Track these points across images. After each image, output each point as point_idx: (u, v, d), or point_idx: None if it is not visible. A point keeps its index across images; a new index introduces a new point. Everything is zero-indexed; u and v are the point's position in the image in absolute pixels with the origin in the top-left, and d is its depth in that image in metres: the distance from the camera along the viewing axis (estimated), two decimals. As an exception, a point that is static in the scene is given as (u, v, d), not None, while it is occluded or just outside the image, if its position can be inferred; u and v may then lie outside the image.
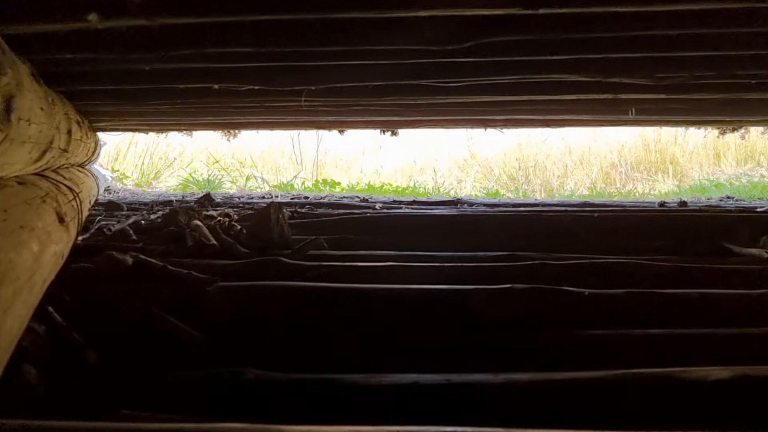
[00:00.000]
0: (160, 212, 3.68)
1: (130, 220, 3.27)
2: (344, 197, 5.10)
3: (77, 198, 2.18)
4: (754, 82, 2.46)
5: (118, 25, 1.25)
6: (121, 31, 1.37)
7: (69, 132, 2.10)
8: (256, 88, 2.22)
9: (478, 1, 1.20)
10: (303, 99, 2.37)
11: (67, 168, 2.79)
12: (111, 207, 4.11)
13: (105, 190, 5.32)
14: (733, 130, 4.81)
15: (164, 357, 1.51)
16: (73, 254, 2.03)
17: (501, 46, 1.65)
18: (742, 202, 4.65)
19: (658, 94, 2.68)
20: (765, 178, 6.27)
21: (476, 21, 1.45)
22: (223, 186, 6.52)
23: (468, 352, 1.49)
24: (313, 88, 2.26)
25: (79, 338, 1.53)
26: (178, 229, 2.80)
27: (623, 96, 2.73)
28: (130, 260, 2.13)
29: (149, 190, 6.10)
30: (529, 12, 1.23)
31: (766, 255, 2.29)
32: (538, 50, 1.74)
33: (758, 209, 3.73)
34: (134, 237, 2.84)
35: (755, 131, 5.17)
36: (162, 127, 4.87)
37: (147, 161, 7.01)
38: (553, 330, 1.56)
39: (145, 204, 4.41)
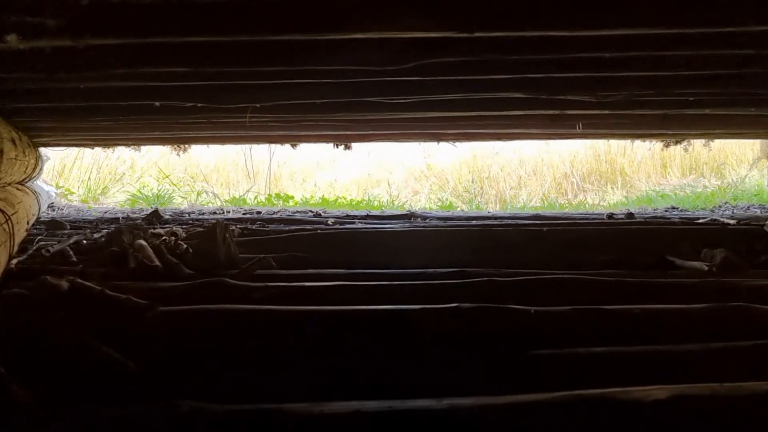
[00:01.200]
0: (105, 231, 3.57)
1: (71, 240, 3.15)
2: (297, 212, 5.05)
3: (9, 221, 2.09)
4: (692, 99, 2.54)
5: (42, 46, 1.20)
6: (46, 52, 1.31)
7: (0, 152, 2.00)
8: (200, 105, 2.17)
9: (413, 24, 1.19)
10: (248, 116, 2.33)
11: (3, 187, 2.68)
12: (53, 225, 3.96)
13: (48, 207, 5.14)
14: (677, 142, 4.96)
15: (97, 390, 1.44)
16: (4, 279, 1.94)
17: (444, 66, 1.66)
18: (686, 213, 4.78)
19: (603, 110, 2.74)
20: (707, 189, 6.48)
21: (415, 43, 1.45)
22: (174, 201, 6.38)
23: (412, 375, 1.47)
24: (258, 105, 2.22)
25: (5, 372, 1.45)
26: (121, 249, 2.71)
27: (570, 111, 2.78)
28: (66, 285, 2.03)
29: (96, 206, 5.92)
30: (466, 35, 1.23)
31: (706, 268, 2.34)
32: (481, 70, 1.75)
33: (700, 220, 3.84)
34: (74, 258, 2.74)
35: (698, 143, 5.34)
36: (107, 142, 4.74)
37: (94, 176, 6.81)
38: (499, 350, 1.55)
39: (90, 222, 4.27)
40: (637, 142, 6.12)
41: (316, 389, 1.44)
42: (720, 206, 5.27)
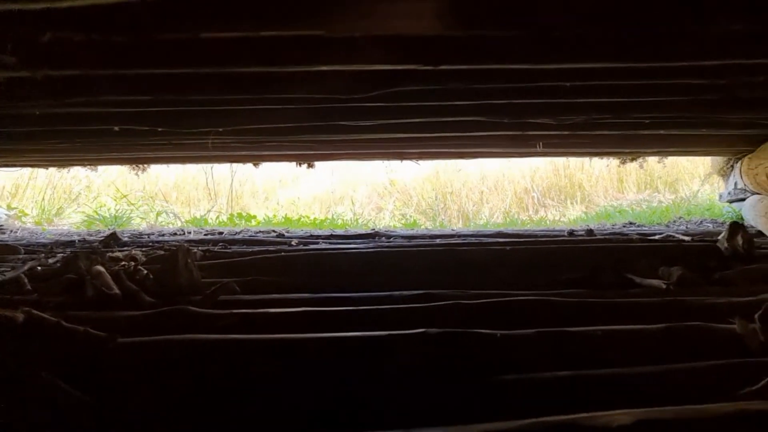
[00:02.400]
0: (60, 255, 3.46)
1: (26, 267, 3.04)
2: (260, 232, 4.99)
3: (-42, 250, 2.01)
4: (648, 121, 2.62)
5: (-1, 77, 1.17)
6: (1, 82, 1.28)
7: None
8: (160, 129, 2.14)
9: (379, 59, 1.20)
10: (211, 140, 2.30)
11: (-49, 213, 2.58)
12: (6, 250, 3.82)
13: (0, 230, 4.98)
14: (632, 159, 5.10)
15: (52, 427, 1.39)
16: (-46, 312, 1.86)
17: (408, 93, 1.67)
18: (643, 228, 4.91)
19: (563, 131, 2.80)
20: (662, 204, 6.67)
21: (381, 74, 1.46)
22: (132, 222, 6.24)
23: (381, 404, 1.46)
24: (221, 129, 2.20)
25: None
26: (77, 276, 2.63)
27: (530, 132, 2.84)
28: (21, 316, 1.96)
29: (50, 228, 5.75)
30: (431, 68, 1.24)
31: (664, 286, 2.40)
32: (445, 97, 1.78)
33: (656, 236, 3.94)
34: (29, 287, 2.65)
35: (652, 160, 5.49)
36: (63, 163, 4.63)
37: (48, 197, 6.62)
38: (467, 377, 1.56)
39: (44, 245, 4.14)
40: (595, 159, 6.27)
41: (282, 420, 1.42)
42: (675, 221, 5.42)
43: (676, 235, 3.98)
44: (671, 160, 6.69)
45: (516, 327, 1.81)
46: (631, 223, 5.44)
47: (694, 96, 1.91)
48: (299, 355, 1.68)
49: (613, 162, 6.36)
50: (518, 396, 1.48)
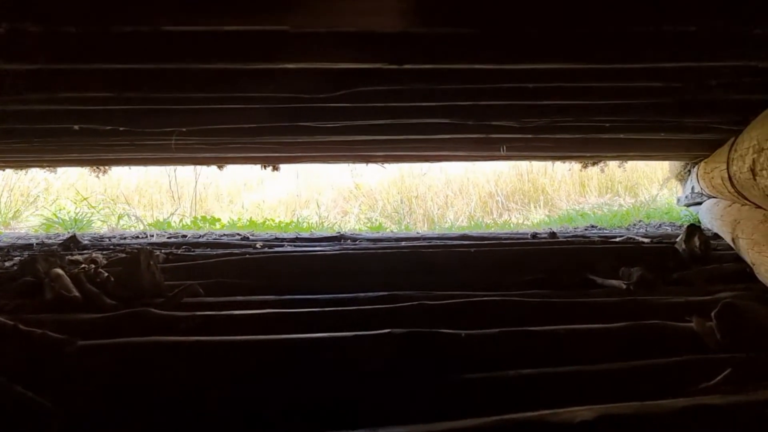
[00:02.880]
0: (17, 258, 3.37)
1: (-20, 270, 2.95)
2: (224, 235, 4.94)
3: None
4: (608, 125, 2.67)
5: (-50, 70, 1.13)
6: (-46, 76, 1.24)
7: None
8: (121, 129, 2.10)
9: (344, 56, 1.21)
10: (174, 140, 2.27)
11: None
12: (-42, 253, 3.70)
13: (-47, 233, 4.82)
14: (594, 164, 5.21)
15: (10, 433, 1.36)
16: None
17: (373, 94, 1.68)
18: (605, 231, 5.00)
19: (526, 134, 2.84)
20: (623, 207, 6.81)
21: (346, 72, 1.46)
22: (93, 225, 6.10)
23: (345, 404, 1.46)
24: (184, 129, 2.17)
25: None
26: (35, 279, 2.57)
27: (494, 135, 2.87)
28: (-26, 320, 1.91)
29: (7, 231, 5.59)
30: (395, 67, 1.25)
31: (624, 286, 2.45)
32: (410, 97, 1.79)
33: (617, 239, 4.02)
34: (-17, 290, 2.57)
35: (613, 164, 5.61)
36: (20, 164, 4.50)
37: (5, 199, 6.43)
38: (432, 376, 1.57)
39: (1, 249, 4.02)
40: (558, 163, 6.37)
41: (246, 421, 1.40)
42: (635, 224, 5.54)
43: (636, 238, 4.08)
44: (631, 165, 6.84)
45: (480, 327, 1.83)
46: (592, 226, 5.54)
47: (652, 99, 1.96)
48: (263, 357, 1.67)
49: (575, 166, 6.49)
50: (483, 394, 1.49)
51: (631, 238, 4.13)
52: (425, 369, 1.62)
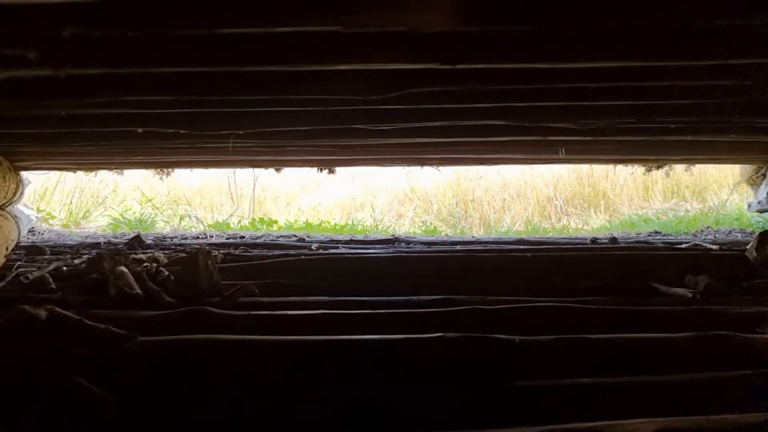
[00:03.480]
0: (85, 256, 3.51)
1: (51, 267, 3.09)
2: (281, 236, 5.02)
3: (-14, 248, 2.05)
4: (673, 126, 2.57)
5: (22, 75, 1.18)
6: (26, 80, 1.30)
7: (-22, 178, 1.98)
8: (182, 132, 2.16)
9: (396, 56, 1.20)
10: (231, 143, 2.32)
11: (-19, 213, 2.63)
12: (33, 251, 3.90)
13: (29, 231, 5.06)
14: (658, 167, 5.02)
15: (72, 423, 1.41)
16: (-19, 308, 1.90)
17: (426, 95, 1.66)
18: (669, 237, 4.83)
19: (585, 137, 2.76)
20: (689, 213, 6.55)
21: (398, 73, 1.45)
22: (156, 226, 6.32)
23: (396, 407, 1.45)
24: (241, 132, 2.21)
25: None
26: (101, 276, 2.67)
27: (552, 137, 2.81)
28: (44, 314, 1.99)
29: (77, 230, 5.84)
30: (449, 67, 1.23)
31: (690, 295, 2.35)
32: (464, 99, 1.77)
33: (683, 245, 3.87)
34: (53, 286, 2.69)
35: (679, 168, 5.40)
36: (90, 167, 4.70)
37: (76, 200, 6.73)
38: (484, 381, 1.54)
39: (71, 247, 4.21)
40: (620, 166, 6.18)
41: (297, 420, 1.41)
42: (702, 230, 5.32)
43: (704, 244, 3.91)
44: (699, 168, 6.57)
45: (535, 333, 1.79)
46: (656, 232, 5.35)
47: (721, 99, 1.87)
48: (315, 357, 1.68)
49: (638, 170, 6.27)
50: (536, 402, 1.45)
51: (698, 244, 3.97)
52: (476, 374, 1.59)
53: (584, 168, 8.58)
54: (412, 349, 1.69)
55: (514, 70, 1.47)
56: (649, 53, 1.30)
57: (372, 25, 1.03)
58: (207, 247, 2.78)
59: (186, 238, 4.95)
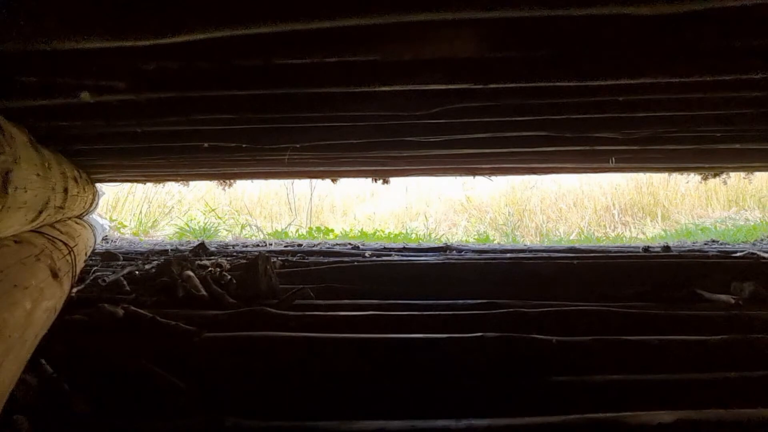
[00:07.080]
0: (155, 262, 3.78)
1: (125, 271, 3.36)
2: (336, 245, 5.20)
3: (72, 252, 2.29)
4: (719, 134, 2.58)
5: (107, 100, 1.38)
6: (112, 104, 1.50)
7: (65, 190, 2.21)
8: (244, 146, 2.34)
9: (430, 80, 1.33)
10: (288, 155, 2.50)
11: (65, 221, 2.90)
12: (107, 257, 4.20)
13: (103, 239, 5.43)
14: (715, 175, 4.94)
15: (149, 406, 1.59)
16: (67, 306, 2.13)
17: (466, 110, 1.78)
18: (726, 246, 4.75)
19: (633, 146, 2.80)
20: (749, 222, 6.38)
21: (438, 92, 1.58)
22: (219, 234, 6.63)
23: (435, 398, 1.57)
24: (298, 145, 2.38)
25: (68, 388, 1.61)
26: (170, 279, 2.90)
27: (600, 147, 2.86)
28: (121, 312, 2.22)
29: (146, 238, 6.20)
30: (481, 86, 1.35)
31: (733, 301, 2.37)
32: (502, 112, 1.87)
33: (737, 254, 3.82)
34: (127, 288, 2.94)
35: (736, 176, 5.30)
36: (159, 178, 5.00)
37: (145, 210, 7.13)
38: (519, 377, 1.64)
39: (141, 253, 4.51)
40: (675, 175, 6.09)
41: (345, 409, 1.55)
42: (761, 239, 5.20)
43: (758, 253, 3.85)
44: (759, 176, 6.39)
45: (574, 335, 1.88)
46: (713, 241, 5.26)
47: (762, 109, 1.90)
48: (363, 352, 1.81)
49: (695, 178, 6.16)
50: (567, 395, 1.54)
51: (752, 253, 3.91)
52: (513, 370, 1.69)
53: (643, 177, 8.43)
54: (453, 346, 1.80)
55: (543, 88, 1.57)
56: (679, 70, 1.37)
57: (405, 55, 1.17)
58: (266, 254, 2.97)
59: (246, 246, 5.19)
